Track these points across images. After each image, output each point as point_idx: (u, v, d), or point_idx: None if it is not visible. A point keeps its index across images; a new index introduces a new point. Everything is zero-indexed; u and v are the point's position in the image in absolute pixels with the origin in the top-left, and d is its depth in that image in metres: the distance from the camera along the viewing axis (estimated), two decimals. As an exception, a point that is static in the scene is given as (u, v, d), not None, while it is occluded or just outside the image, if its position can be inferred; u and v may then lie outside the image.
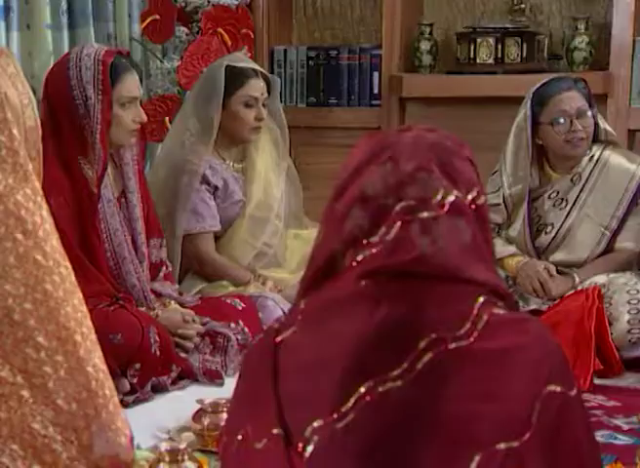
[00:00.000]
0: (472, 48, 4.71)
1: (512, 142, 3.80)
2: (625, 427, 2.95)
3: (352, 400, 1.41)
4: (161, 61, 4.46)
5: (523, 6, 4.75)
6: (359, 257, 1.48)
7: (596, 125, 3.74)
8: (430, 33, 4.88)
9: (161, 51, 4.51)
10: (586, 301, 3.31)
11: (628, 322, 3.43)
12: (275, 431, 1.45)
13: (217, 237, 3.95)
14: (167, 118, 4.18)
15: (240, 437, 1.48)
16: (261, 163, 4.03)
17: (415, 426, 1.40)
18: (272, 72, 5.11)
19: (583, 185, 3.71)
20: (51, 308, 1.52)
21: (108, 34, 4.57)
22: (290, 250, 4.06)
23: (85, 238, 3.20)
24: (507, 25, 4.70)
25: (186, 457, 2.33)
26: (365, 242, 1.48)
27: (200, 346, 3.31)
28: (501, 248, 3.73)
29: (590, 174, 3.71)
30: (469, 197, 1.52)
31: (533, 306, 3.58)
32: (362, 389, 1.41)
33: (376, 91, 5.00)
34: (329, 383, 1.43)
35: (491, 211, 3.75)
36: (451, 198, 1.48)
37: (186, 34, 4.47)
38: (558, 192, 3.74)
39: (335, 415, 1.41)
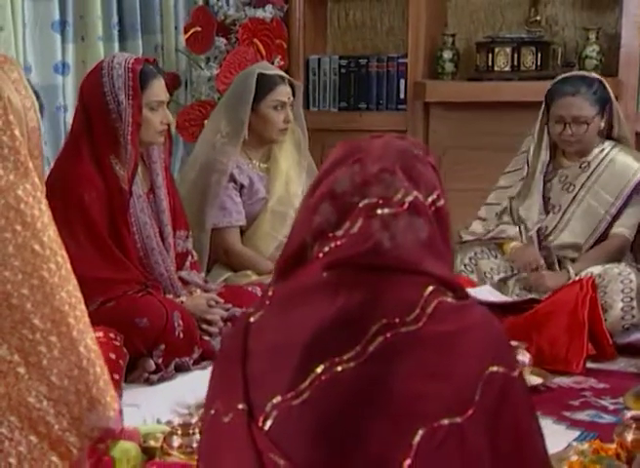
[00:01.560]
0: (491, 56, 4.73)
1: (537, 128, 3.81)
2: (611, 407, 2.94)
3: (309, 379, 1.42)
4: (202, 70, 4.50)
5: (539, 18, 4.77)
6: (325, 249, 1.49)
7: (611, 121, 3.74)
8: (453, 43, 4.90)
9: (204, 60, 4.55)
10: (580, 291, 3.29)
11: (622, 309, 3.44)
12: (240, 406, 1.46)
13: (242, 231, 3.98)
14: (206, 121, 4.23)
15: (213, 411, 1.50)
16: (284, 162, 4.06)
17: (365, 404, 1.40)
18: (307, 80, 5.16)
19: (591, 173, 3.70)
20: (46, 293, 1.54)
21: (156, 45, 4.64)
22: None
23: (116, 231, 3.24)
24: (523, 36, 4.72)
25: (197, 430, 2.35)
26: (331, 235, 1.49)
27: (222, 330, 3.34)
28: (501, 229, 3.78)
29: (599, 164, 3.70)
30: (430, 199, 1.52)
31: (530, 295, 3.58)
32: (318, 369, 1.42)
33: (402, 96, 5.01)
34: (290, 364, 1.44)
35: (508, 187, 3.83)
36: (410, 198, 1.49)
37: (225, 45, 4.49)
38: (567, 176, 3.74)
39: (292, 393, 1.42)
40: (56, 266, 1.57)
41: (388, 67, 5.04)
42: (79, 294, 1.59)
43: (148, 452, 2.38)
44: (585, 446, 2.50)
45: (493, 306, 3.41)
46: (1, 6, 3.87)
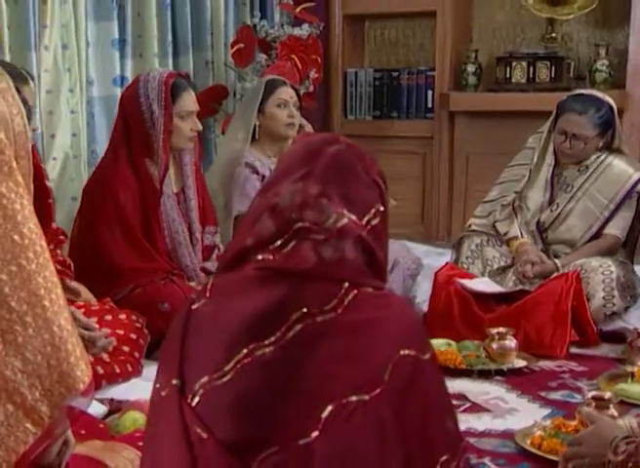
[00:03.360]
0: (509, 70, 4.78)
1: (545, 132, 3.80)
2: (585, 389, 2.95)
3: (233, 362, 1.43)
4: (245, 81, 4.58)
5: (554, 35, 4.79)
6: (259, 257, 1.50)
7: (612, 140, 3.72)
8: (476, 57, 4.96)
9: (248, 73, 4.63)
10: (565, 283, 3.33)
11: (603, 298, 3.45)
12: (174, 382, 1.47)
13: None
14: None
15: (157, 385, 1.52)
16: None
17: (281, 384, 1.41)
18: (345, 91, 5.27)
19: (589, 176, 3.68)
20: (23, 279, 1.53)
21: (206, 61, 4.71)
22: None
23: (148, 226, 3.30)
24: (539, 51, 4.76)
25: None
26: (270, 247, 1.50)
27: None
28: (506, 228, 3.78)
29: (596, 169, 3.69)
30: (365, 218, 1.52)
31: (520, 287, 3.58)
32: (241, 353, 1.43)
33: (429, 106, 5.09)
34: (218, 348, 1.46)
35: (513, 182, 3.83)
36: (341, 224, 1.49)
37: (265, 59, 4.56)
38: (566, 177, 3.74)
39: (218, 374, 1.43)
40: (34, 255, 1.55)
41: (418, 80, 5.13)
42: (55, 280, 1.57)
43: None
44: (548, 422, 2.54)
45: (488, 296, 3.52)
46: (66, 26, 4.00)
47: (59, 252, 2.89)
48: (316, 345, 1.42)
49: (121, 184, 3.26)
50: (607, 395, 2.52)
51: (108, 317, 2.74)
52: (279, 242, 1.49)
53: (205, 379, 1.43)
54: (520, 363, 3.17)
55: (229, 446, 1.39)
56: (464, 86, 4.97)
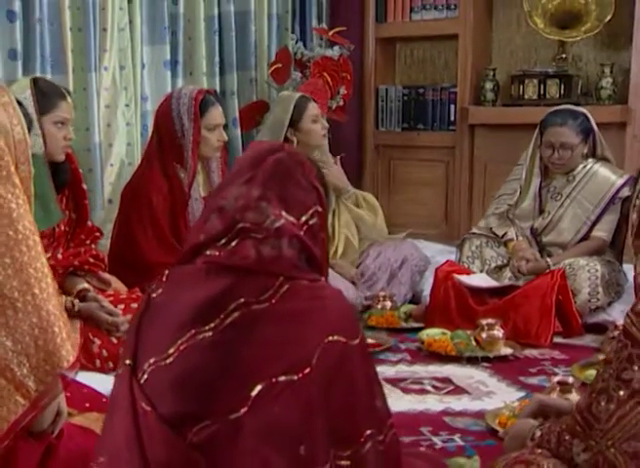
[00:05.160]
0: (522, 87, 4.80)
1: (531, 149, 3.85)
2: (561, 374, 2.94)
3: (176, 345, 1.46)
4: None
5: (564, 55, 4.80)
6: (208, 252, 1.54)
7: (595, 146, 3.75)
8: (494, 75, 4.98)
9: (284, 89, 4.71)
10: (551, 280, 3.38)
11: (589, 294, 3.48)
12: (127, 362, 1.51)
13: None
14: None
15: (120, 363, 1.56)
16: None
17: (217, 365, 1.43)
18: (377, 105, 5.34)
19: (576, 185, 3.71)
20: (16, 269, 1.56)
21: (250, 79, 4.80)
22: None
23: (176, 225, 3.38)
24: (549, 70, 4.76)
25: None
26: (218, 244, 1.53)
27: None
28: (504, 230, 3.83)
29: (583, 177, 3.71)
30: (303, 218, 1.55)
31: (511, 282, 3.63)
32: (185, 337, 1.46)
33: (452, 119, 5.13)
34: (166, 332, 1.48)
35: (507, 195, 3.87)
36: (278, 224, 1.52)
37: (300, 77, 4.64)
38: (556, 187, 3.77)
39: (163, 355, 1.46)
40: (26, 248, 1.59)
41: (441, 95, 5.17)
42: (46, 270, 1.62)
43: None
44: (516, 403, 2.58)
45: (483, 290, 3.58)
46: (123, 50, 4.12)
47: (93, 246, 2.98)
48: (251, 331, 1.45)
49: (154, 189, 3.35)
50: (570, 380, 2.54)
51: (134, 305, 2.80)
52: (224, 240, 1.52)
53: (152, 360, 1.47)
54: (507, 351, 3.22)
55: (169, 419, 1.42)
56: (483, 101, 4.99)
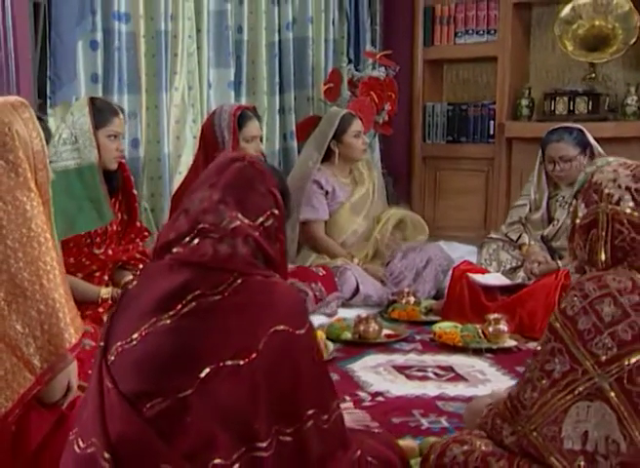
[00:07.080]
0: (553, 103, 4.76)
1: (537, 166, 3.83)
2: None
3: (139, 331, 1.47)
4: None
5: (594, 75, 4.74)
6: (174, 249, 1.56)
7: (593, 157, 3.64)
8: (529, 93, 4.96)
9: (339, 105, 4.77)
10: (555, 280, 3.37)
11: None
12: (101, 343, 1.54)
13: (324, 223, 4.10)
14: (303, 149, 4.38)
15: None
16: (367, 176, 4.22)
17: (171, 349, 1.45)
18: (424, 120, 5.36)
19: None
20: (28, 262, 1.64)
21: (307, 97, 4.88)
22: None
23: None
24: (578, 89, 4.71)
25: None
26: (181, 241, 1.55)
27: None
28: (517, 234, 3.81)
29: None
30: (259, 220, 1.57)
31: (519, 281, 3.62)
32: (147, 324, 1.47)
33: (491, 132, 5.12)
34: (133, 319, 1.50)
35: (520, 207, 3.86)
36: (233, 225, 1.54)
37: (350, 96, 4.71)
38: (564, 197, 3.74)
39: (128, 340, 1.48)
40: (38, 244, 1.64)
41: (482, 111, 5.18)
42: (55, 264, 1.67)
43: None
44: (502, 390, 2.60)
45: (494, 287, 3.59)
46: (192, 73, 4.23)
47: (141, 244, 3.09)
48: (204, 320, 1.46)
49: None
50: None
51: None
52: (187, 238, 1.55)
53: (119, 344, 1.50)
54: (511, 343, 3.23)
55: (128, 396, 1.45)
56: (519, 116, 4.97)
